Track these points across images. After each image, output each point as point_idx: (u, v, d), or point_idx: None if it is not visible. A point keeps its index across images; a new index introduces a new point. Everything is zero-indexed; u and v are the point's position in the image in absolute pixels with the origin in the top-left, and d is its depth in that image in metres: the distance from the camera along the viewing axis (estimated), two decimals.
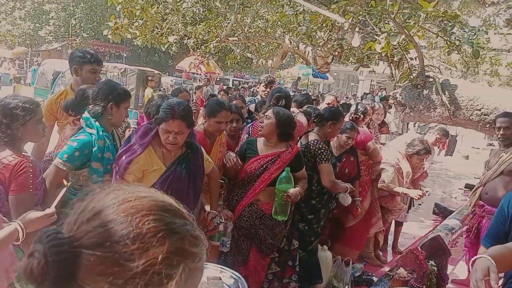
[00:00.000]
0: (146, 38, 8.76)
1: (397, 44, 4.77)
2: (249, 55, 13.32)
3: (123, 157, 2.15)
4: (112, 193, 0.62)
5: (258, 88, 4.86)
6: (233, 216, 2.48)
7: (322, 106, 4.91)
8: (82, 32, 22.96)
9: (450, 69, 10.92)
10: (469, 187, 7.75)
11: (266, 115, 2.77)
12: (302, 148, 3.05)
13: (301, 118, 3.34)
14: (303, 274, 3.08)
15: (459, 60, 10.66)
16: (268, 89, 4.26)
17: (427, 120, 5.17)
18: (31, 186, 1.87)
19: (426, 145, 4.10)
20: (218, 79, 20.06)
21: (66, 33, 22.68)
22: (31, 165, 1.88)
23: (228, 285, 1.81)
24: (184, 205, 2.08)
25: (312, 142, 3.07)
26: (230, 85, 20.03)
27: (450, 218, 4.76)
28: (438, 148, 12.10)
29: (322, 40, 6.71)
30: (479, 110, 4.24)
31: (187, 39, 9.99)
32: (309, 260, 3.15)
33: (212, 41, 9.66)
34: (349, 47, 6.65)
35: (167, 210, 0.61)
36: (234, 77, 23.65)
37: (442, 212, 5.97)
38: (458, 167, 10.38)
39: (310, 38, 6.87)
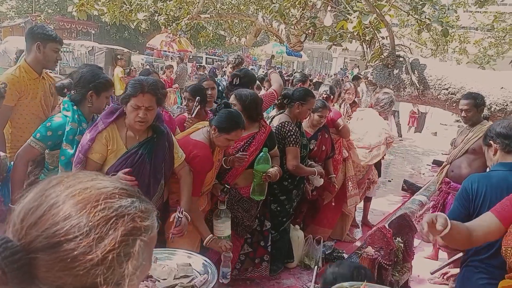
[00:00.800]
0: (114, 15, 8.44)
1: (369, 23, 4.79)
2: (222, 32, 13.09)
3: (88, 135, 2.10)
4: (52, 191, 0.61)
5: (226, 68, 4.78)
6: (232, 247, 2.36)
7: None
8: (46, 7, 21.89)
9: (421, 47, 11.09)
10: (436, 163, 8.01)
11: (231, 103, 2.73)
12: (274, 130, 3.05)
13: (274, 78, 3.36)
14: (275, 254, 3.14)
15: (429, 38, 10.84)
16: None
17: (397, 99, 5.26)
18: None
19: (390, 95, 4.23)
20: (191, 57, 19.67)
21: (30, 9, 21.56)
22: None
23: (197, 271, 1.82)
24: (142, 191, 2.04)
25: (282, 124, 3.08)
26: (204, 63, 19.72)
27: (418, 194, 4.92)
28: (408, 125, 12.42)
29: (295, 18, 6.64)
30: (447, 89, 4.34)
31: (158, 15, 9.71)
32: (281, 240, 3.20)
33: (183, 18, 9.43)
34: (322, 26, 6.61)
35: (112, 195, 0.62)
36: (207, 54, 23.24)
37: (410, 188, 6.16)
38: (427, 144, 10.69)
39: (283, 16, 6.79)
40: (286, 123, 3.07)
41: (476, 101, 3.26)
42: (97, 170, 2.08)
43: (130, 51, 11.98)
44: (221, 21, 11.59)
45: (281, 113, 3.28)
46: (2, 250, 0.56)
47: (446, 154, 4.10)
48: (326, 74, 20.11)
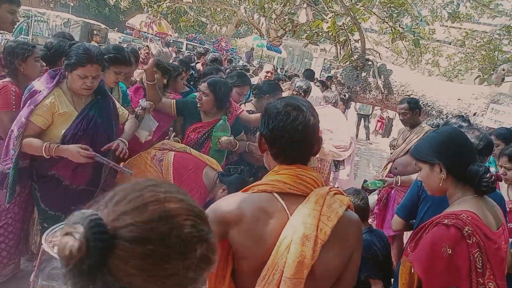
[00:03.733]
0: None
1: (343, 25, 4.93)
2: (204, 19, 13.02)
3: (28, 102, 2.10)
4: (152, 189, 0.63)
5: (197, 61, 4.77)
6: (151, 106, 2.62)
7: (261, 74, 4.99)
8: None
9: (396, 56, 11.41)
10: None
11: (203, 92, 2.76)
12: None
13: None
14: None
15: (404, 48, 11.16)
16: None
17: (362, 101, 5.44)
18: (14, 107, 2.26)
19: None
20: (171, 41, 19.38)
21: None
22: (14, 88, 2.29)
23: None
24: (98, 149, 2.10)
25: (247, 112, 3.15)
26: (184, 49, 19.45)
27: (374, 193, 5.13)
28: (375, 130, 12.78)
29: (274, 13, 6.72)
30: (408, 95, 4.54)
31: None
32: None
33: (165, 1, 9.34)
34: (299, 23, 6.72)
35: (199, 216, 0.64)
36: (187, 40, 22.95)
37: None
38: None
39: (263, 9, 6.87)
40: (250, 112, 3.15)
41: (410, 105, 3.54)
42: (39, 134, 2.11)
43: (107, 28, 11.70)
44: (203, 7, 11.53)
45: (249, 100, 3.36)
46: (93, 225, 0.56)
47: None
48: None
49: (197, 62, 6.48)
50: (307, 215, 1.10)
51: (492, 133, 2.82)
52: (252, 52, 18.31)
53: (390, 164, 3.71)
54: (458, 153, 1.52)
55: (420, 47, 7.21)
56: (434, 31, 11.87)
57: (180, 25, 13.12)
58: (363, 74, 4.89)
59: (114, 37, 13.93)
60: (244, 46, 22.85)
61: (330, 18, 4.75)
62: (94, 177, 2.28)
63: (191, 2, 9.91)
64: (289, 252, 1.07)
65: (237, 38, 24.15)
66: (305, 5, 5.40)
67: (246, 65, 9.17)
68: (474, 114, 4.21)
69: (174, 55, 12.19)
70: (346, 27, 5.08)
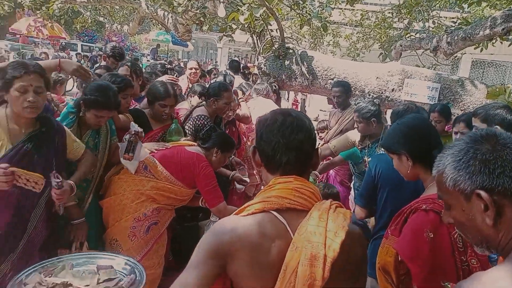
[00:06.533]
0: None
1: (259, 16, 4.98)
2: (101, 19, 12.21)
3: None
4: None
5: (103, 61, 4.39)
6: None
7: (187, 72, 4.88)
8: None
9: (301, 39, 11.92)
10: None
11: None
12: (190, 120, 3.00)
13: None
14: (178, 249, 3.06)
15: (307, 31, 11.68)
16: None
17: (289, 89, 5.60)
18: None
19: None
20: (63, 43, 17.82)
21: None
22: None
23: (122, 273, 1.72)
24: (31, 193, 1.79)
25: (198, 116, 3.00)
26: (79, 50, 18.08)
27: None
28: None
29: (183, 7, 6.53)
30: (332, 79, 4.77)
31: None
32: (186, 235, 3.12)
33: (55, 2, 8.56)
34: (212, 16, 6.63)
35: None
36: (82, 41, 21.31)
37: None
38: None
39: (171, 5, 6.64)
40: (202, 116, 3.00)
41: (345, 88, 3.79)
42: None
43: None
44: (99, 6, 10.80)
45: (201, 104, 3.22)
46: None
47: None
48: (215, 64, 20.11)
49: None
50: (312, 233, 1.02)
51: (435, 110, 3.14)
52: (158, 49, 17.71)
53: (326, 145, 3.89)
54: (420, 141, 1.63)
55: (327, 31, 7.59)
56: (331, 14, 12.62)
57: (74, 27, 12.12)
58: (286, 62, 5.01)
59: (0, 45, 12.36)
60: (146, 42, 21.98)
61: (246, 10, 4.77)
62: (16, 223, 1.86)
63: (86, 1, 9.21)
64: (297, 276, 0.99)
65: (137, 34, 23.10)
66: None
67: (168, 65, 8.64)
68: (393, 90, 4.58)
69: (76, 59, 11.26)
70: (262, 18, 5.15)
